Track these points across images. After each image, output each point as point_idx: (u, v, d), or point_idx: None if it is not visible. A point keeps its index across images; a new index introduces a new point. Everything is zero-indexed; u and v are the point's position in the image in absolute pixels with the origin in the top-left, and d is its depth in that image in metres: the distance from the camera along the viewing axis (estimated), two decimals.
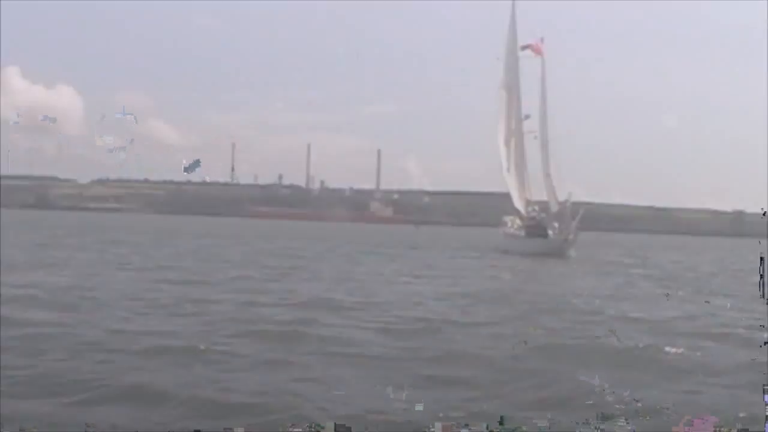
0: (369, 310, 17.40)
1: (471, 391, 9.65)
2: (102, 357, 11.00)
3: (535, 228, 51.36)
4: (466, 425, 6.60)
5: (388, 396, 9.27)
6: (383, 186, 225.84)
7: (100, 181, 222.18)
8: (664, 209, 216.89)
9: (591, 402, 9.27)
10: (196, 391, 9.16)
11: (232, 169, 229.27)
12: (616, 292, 24.59)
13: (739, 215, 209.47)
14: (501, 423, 7.08)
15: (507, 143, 56.51)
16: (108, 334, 12.86)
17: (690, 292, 25.68)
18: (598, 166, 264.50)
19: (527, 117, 56.64)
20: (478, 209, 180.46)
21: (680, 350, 13.13)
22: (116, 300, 17.43)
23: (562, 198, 53.36)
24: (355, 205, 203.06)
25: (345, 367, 10.94)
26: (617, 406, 9.07)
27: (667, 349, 13.17)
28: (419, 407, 8.65)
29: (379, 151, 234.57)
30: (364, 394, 9.45)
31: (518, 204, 55.86)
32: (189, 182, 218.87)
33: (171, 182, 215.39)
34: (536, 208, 54.40)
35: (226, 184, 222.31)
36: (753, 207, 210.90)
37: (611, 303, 20.76)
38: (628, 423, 8.33)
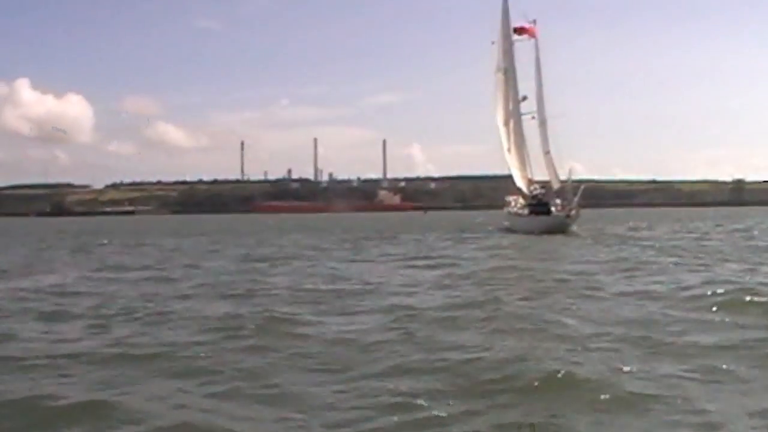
0: (362, 297, 15.84)
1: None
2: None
3: (538, 206, 50.04)
4: None
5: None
6: (390, 174, 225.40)
7: (114, 186, 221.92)
8: (665, 182, 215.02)
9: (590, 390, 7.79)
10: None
11: (242, 167, 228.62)
12: (621, 263, 22.94)
13: (738, 184, 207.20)
14: None
15: (506, 124, 55.48)
16: None
17: (700, 259, 24.02)
18: (598, 143, 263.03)
19: (524, 98, 55.21)
20: (483, 192, 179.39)
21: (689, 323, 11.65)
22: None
23: (563, 176, 52.12)
24: (364, 194, 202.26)
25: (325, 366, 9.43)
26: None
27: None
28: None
29: (384, 141, 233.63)
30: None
31: (520, 183, 54.51)
32: (201, 181, 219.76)
33: (183, 182, 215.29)
34: (537, 186, 53.10)
35: (236, 182, 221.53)
36: (752, 176, 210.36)
37: (617, 275, 19.21)
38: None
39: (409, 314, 12.77)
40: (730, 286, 15.32)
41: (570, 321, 11.76)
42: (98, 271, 23.54)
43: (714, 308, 12.81)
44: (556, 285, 17.15)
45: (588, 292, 15.45)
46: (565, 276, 19.15)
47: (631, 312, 12.68)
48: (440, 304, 14.05)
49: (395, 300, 14.98)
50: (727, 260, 23.68)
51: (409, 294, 16.10)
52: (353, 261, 26.75)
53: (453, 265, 23.62)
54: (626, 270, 20.69)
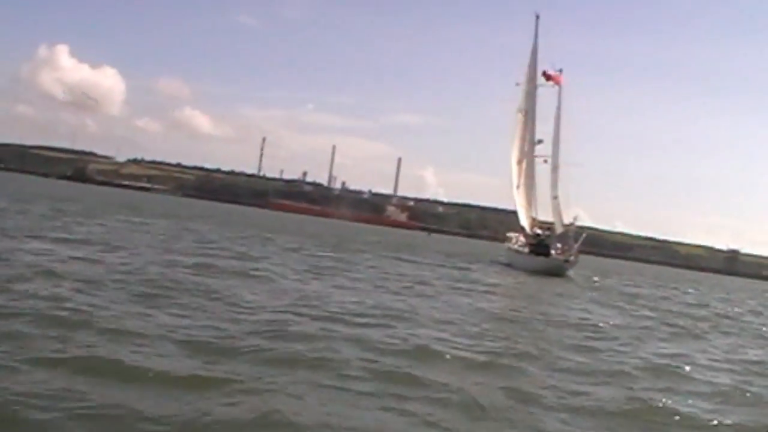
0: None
1: None
2: None
3: (538, 246, 48.45)
4: None
5: None
6: (400, 192, 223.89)
7: (136, 161, 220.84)
8: (663, 241, 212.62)
9: None
10: None
11: (260, 162, 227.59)
12: (612, 319, 21.06)
13: (733, 254, 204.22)
14: None
15: (519, 163, 54.52)
16: None
17: (698, 329, 22.10)
18: (604, 193, 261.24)
19: (540, 142, 54.22)
20: (487, 223, 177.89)
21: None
22: None
23: (567, 221, 50.67)
24: (373, 207, 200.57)
25: None
26: None
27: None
28: None
29: (399, 159, 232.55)
30: None
31: (524, 222, 53.60)
32: (219, 170, 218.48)
33: (202, 168, 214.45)
34: (544, 227, 51.65)
35: (252, 176, 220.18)
36: (747, 248, 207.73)
37: (607, 335, 17.31)
38: None
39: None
40: (733, 376, 13.45)
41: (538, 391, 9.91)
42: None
43: (716, 399, 10.97)
44: (540, 343, 15.19)
45: (571, 356, 13.52)
46: (549, 331, 17.26)
47: (615, 391, 10.75)
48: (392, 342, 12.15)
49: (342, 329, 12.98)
50: (727, 333, 22.31)
51: (362, 325, 13.67)
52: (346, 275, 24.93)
53: (436, 295, 21.79)
54: (619, 328, 18.92)
